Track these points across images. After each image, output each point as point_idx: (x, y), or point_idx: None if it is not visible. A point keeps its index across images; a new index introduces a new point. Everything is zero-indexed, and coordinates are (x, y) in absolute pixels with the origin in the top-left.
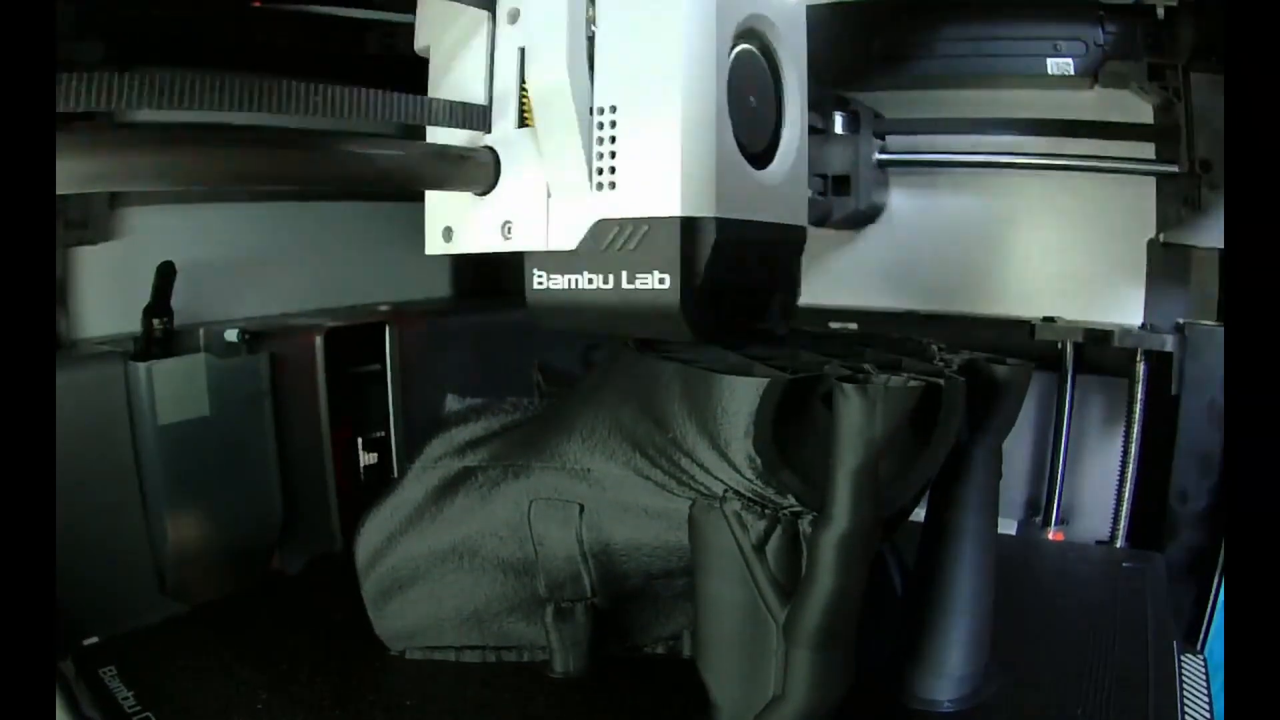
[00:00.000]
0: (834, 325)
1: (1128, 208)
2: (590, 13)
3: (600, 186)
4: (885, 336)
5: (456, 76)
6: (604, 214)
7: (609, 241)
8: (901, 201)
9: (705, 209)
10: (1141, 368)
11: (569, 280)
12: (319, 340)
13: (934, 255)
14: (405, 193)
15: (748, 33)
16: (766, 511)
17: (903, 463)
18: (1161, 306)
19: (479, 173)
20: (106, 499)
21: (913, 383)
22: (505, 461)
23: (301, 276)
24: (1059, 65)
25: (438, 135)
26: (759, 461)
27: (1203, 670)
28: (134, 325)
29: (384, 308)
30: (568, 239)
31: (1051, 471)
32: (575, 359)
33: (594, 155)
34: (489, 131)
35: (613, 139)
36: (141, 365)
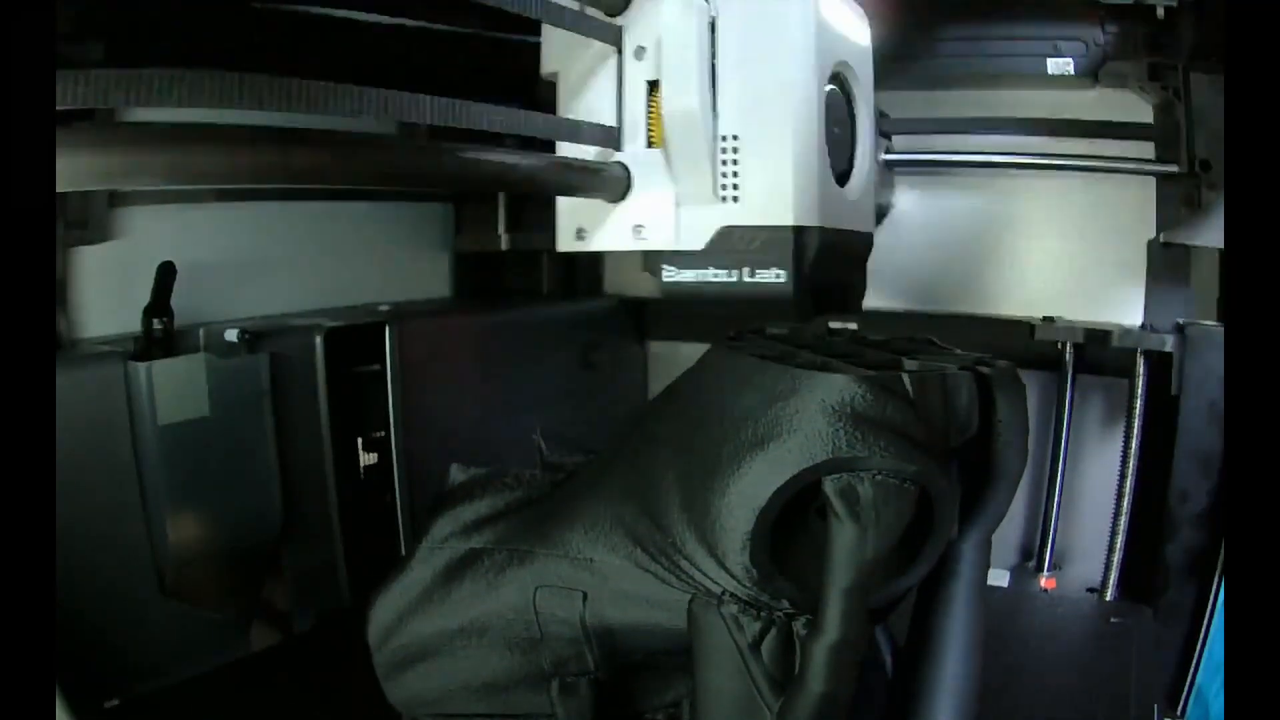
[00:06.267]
0: (833, 325)
1: (1128, 208)
2: (712, 56)
3: (724, 199)
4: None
5: (588, 101)
6: (728, 221)
7: (733, 244)
8: (902, 201)
9: (811, 219)
10: (1141, 367)
11: (697, 274)
12: (319, 340)
13: (934, 255)
14: (544, 196)
15: (834, 75)
16: (762, 614)
17: (894, 569)
18: (1161, 306)
19: (615, 184)
20: (106, 499)
21: (909, 486)
22: (511, 546)
23: (301, 276)
24: (1059, 65)
25: (564, 149)
26: (755, 574)
27: None
28: (134, 325)
29: (384, 308)
30: (696, 240)
31: (1049, 490)
32: (575, 360)
33: (718, 174)
34: (619, 150)
35: (735, 161)
36: (141, 365)
